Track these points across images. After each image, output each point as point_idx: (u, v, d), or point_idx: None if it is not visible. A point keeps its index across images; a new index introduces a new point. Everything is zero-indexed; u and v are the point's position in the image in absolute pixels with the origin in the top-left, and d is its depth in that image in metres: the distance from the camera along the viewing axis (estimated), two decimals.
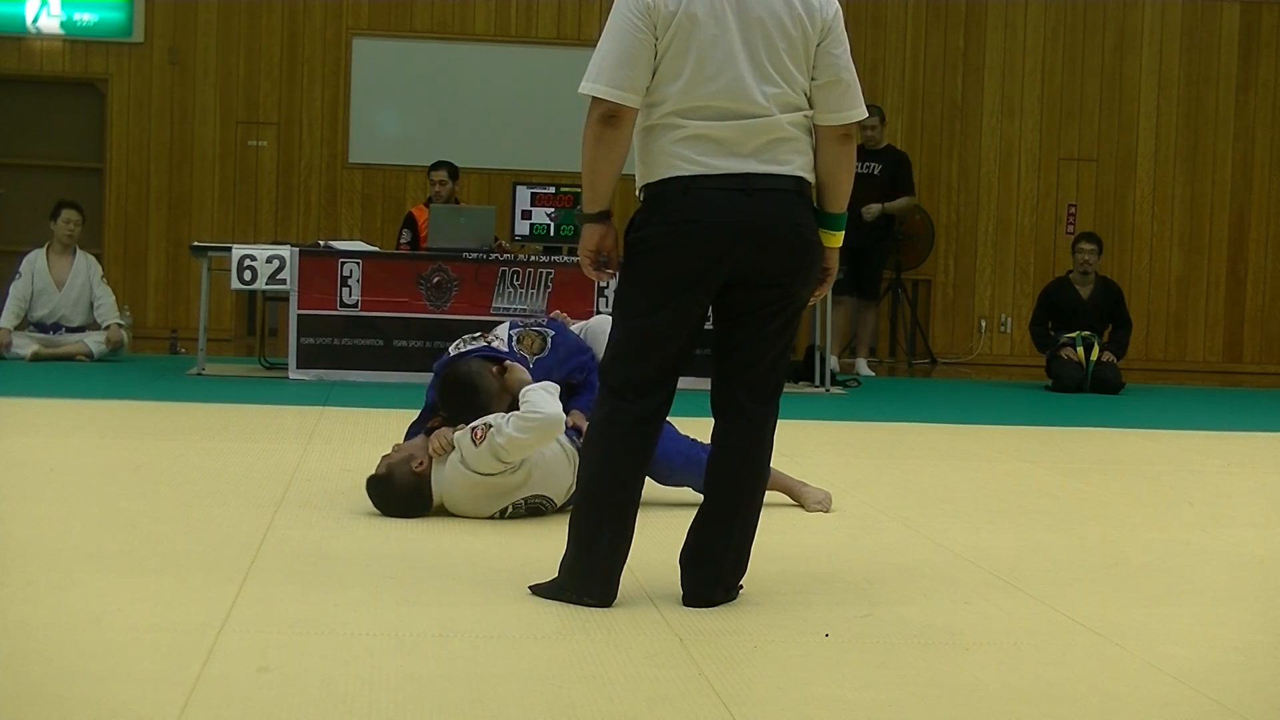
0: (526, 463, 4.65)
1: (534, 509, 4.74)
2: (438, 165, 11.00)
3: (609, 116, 3.50)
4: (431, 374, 5.07)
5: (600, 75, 3.50)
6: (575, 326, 5.36)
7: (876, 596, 3.86)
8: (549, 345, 5.07)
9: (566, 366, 5.06)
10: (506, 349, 5.01)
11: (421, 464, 4.68)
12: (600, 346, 4.92)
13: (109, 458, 5.92)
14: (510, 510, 4.71)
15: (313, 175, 13.06)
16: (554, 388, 4.67)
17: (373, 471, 4.76)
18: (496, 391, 4.80)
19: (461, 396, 4.79)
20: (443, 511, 4.76)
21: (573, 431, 4.79)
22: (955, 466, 6.59)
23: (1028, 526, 5.06)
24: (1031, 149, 13.63)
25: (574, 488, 4.60)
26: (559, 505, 4.76)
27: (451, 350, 5.08)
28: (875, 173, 11.27)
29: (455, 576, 3.90)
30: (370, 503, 4.73)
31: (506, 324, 5.25)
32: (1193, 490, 6.02)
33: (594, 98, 3.51)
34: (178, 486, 5.16)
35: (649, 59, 3.51)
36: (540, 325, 5.26)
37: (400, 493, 4.68)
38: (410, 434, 5.02)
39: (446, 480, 4.67)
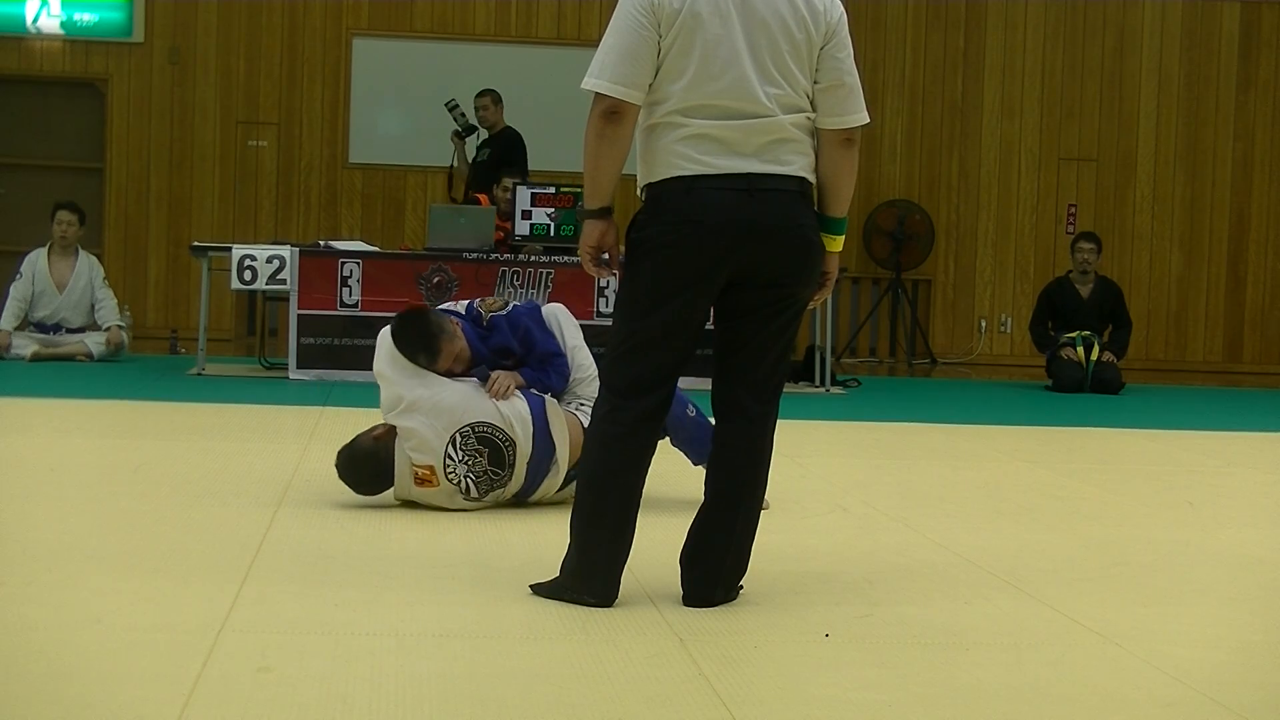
0: (465, 386, 4.81)
1: (488, 442, 4.75)
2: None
3: (611, 112, 3.50)
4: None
5: (603, 71, 3.51)
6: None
7: (876, 596, 3.86)
8: (509, 307, 5.13)
9: (543, 366, 5.05)
10: (464, 310, 5.11)
11: (382, 431, 4.82)
12: (557, 330, 5.10)
13: (109, 458, 5.92)
14: (461, 444, 4.72)
15: (313, 175, 13.06)
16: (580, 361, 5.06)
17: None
18: (452, 332, 4.87)
19: (417, 326, 4.84)
20: (443, 512, 4.76)
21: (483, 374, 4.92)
22: (955, 466, 6.59)
23: (1028, 526, 5.06)
24: (1031, 149, 13.63)
25: (535, 440, 4.78)
26: (518, 448, 4.77)
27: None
28: (484, 158, 10.99)
29: (455, 576, 3.90)
30: (343, 483, 4.84)
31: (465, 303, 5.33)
32: (1193, 490, 6.02)
33: (597, 93, 3.51)
34: (178, 486, 5.16)
35: (652, 56, 3.51)
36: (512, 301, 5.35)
37: (362, 454, 4.80)
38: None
39: (399, 420, 4.76)
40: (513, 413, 4.80)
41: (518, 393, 4.87)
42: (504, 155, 10.93)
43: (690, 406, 4.89)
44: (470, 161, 11.18)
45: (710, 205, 3.51)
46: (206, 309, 9.88)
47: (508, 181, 10.55)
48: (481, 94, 11.14)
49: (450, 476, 4.74)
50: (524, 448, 4.80)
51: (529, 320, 5.08)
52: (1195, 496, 5.86)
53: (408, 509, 4.83)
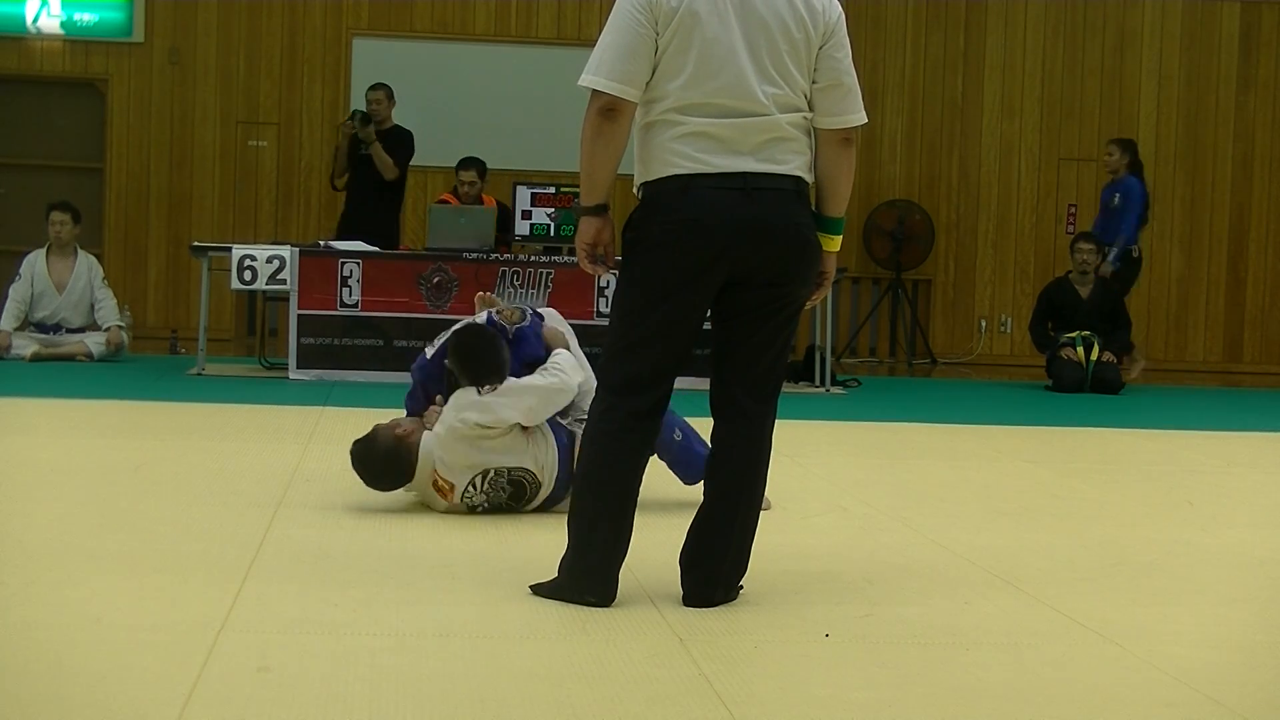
0: (515, 434, 4.70)
1: (517, 484, 4.74)
2: (466, 164, 10.66)
3: (608, 109, 3.51)
4: (411, 382, 5.08)
5: (600, 68, 3.51)
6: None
7: (876, 596, 3.86)
8: (528, 318, 5.06)
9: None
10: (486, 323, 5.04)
11: (406, 430, 4.73)
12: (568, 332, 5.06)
13: (109, 458, 5.92)
14: (492, 479, 4.70)
15: (313, 175, 13.05)
16: (581, 361, 4.84)
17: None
18: (507, 359, 4.78)
19: (478, 344, 4.75)
20: (440, 511, 4.76)
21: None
22: (955, 466, 6.59)
23: (1028, 526, 5.06)
24: (1031, 149, 13.62)
25: (558, 478, 4.72)
26: (541, 489, 4.76)
27: (428, 349, 5.08)
28: (369, 151, 10.88)
29: (455, 576, 3.90)
30: (357, 475, 4.77)
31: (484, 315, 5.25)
32: (1193, 490, 6.02)
33: (593, 90, 3.52)
34: (178, 486, 5.16)
35: (650, 54, 3.52)
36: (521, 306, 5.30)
37: (379, 452, 4.71)
38: None
39: (435, 437, 4.69)
40: (546, 461, 4.76)
41: (549, 434, 4.77)
42: (387, 150, 10.85)
43: (677, 430, 4.86)
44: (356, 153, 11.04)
45: (707, 204, 3.51)
46: (206, 309, 9.87)
47: (465, 175, 10.53)
48: (375, 87, 11.05)
49: (466, 500, 4.74)
50: (546, 490, 4.80)
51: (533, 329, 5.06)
52: (1195, 496, 5.86)
53: (408, 510, 4.83)
